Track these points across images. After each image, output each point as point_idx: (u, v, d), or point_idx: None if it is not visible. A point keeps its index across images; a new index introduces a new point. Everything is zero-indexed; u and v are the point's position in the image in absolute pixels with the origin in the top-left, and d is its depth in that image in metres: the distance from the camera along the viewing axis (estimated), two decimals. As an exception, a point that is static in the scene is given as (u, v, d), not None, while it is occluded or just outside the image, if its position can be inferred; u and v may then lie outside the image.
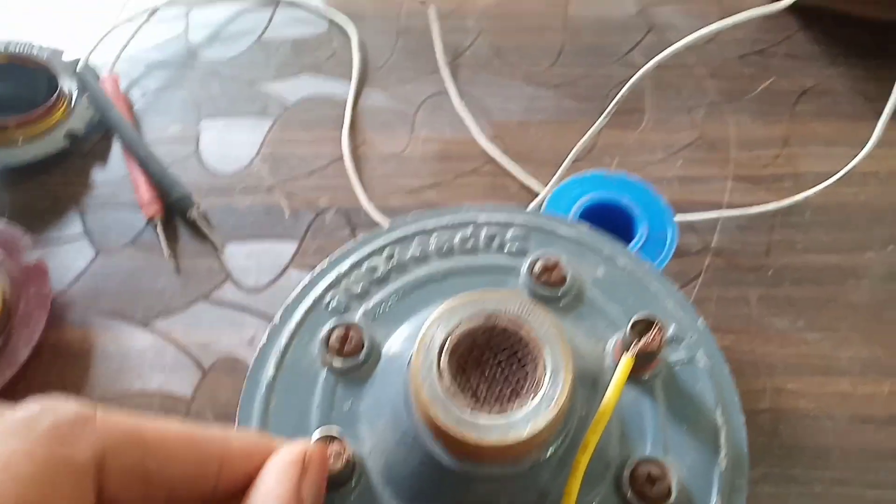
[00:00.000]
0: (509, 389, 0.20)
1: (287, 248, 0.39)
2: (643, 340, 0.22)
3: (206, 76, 0.47)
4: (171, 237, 0.39)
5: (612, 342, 0.24)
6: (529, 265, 0.25)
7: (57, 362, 0.35)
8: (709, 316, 0.35)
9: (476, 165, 0.42)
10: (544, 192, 0.38)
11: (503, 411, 0.19)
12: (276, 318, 0.24)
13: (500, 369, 0.20)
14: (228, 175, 0.42)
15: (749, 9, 0.39)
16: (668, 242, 0.32)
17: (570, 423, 0.21)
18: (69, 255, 0.39)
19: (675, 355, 0.24)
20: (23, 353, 0.33)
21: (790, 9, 0.41)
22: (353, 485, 0.21)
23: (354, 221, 0.39)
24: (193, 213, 0.39)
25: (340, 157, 0.42)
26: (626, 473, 0.21)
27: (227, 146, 0.43)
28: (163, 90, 0.46)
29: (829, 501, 0.30)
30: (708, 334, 0.25)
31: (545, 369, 0.20)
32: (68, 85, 0.43)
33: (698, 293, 0.36)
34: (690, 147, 0.42)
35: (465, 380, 0.20)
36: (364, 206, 0.40)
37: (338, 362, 0.23)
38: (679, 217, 0.37)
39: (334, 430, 0.21)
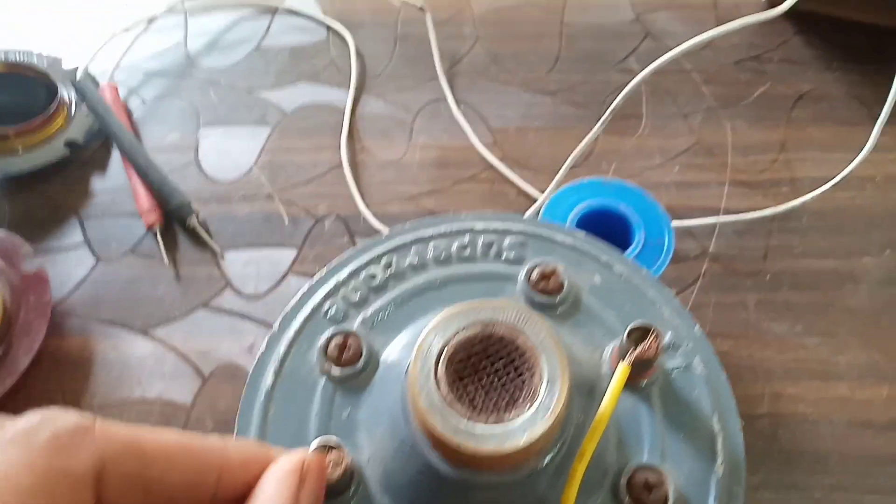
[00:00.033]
0: (506, 398, 0.20)
1: (286, 256, 0.39)
2: (639, 348, 0.22)
3: (204, 84, 0.47)
4: (171, 245, 0.39)
5: (609, 350, 0.24)
6: (527, 273, 0.26)
7: (57, 370, 0.35)
8: (707, 321, 0.35)
9: (474, 172, 0.42)
10: (541, 199, 0.38)
11: (500, 420, 0.19)
12: (275, 327, 0.24)
13: (497, 378, 0.21)
14: (227, 182, 0.42)
15: (745, 15, 0.40)
16: (665, 249, 0.32)
17: (567, 431, 0.21)
18: (69, 264, 0.39)
19: (672, 362, 0.24)
20: (23, 361, 0.33)
21: (785, 14, 0.41)
22: (352, 493, 0.21)
23: (353, 229, 0.40)
24: (193, 221, 0.39)
25: (339, 165, 0.42)
26: (624, 481, 0.21)
27: (226, 154, 0.43)
28: (162, 98, 0.46)
29: (828, 507, 0.30)
30: (704, 341, 0.25)
31: (542, 378, 0.20)
32: (68, 93, 0.43)
33: (696, 298, 0.36)
34: (687, 152, 0.42)
35: (462, 388, 0.20)
36: (363, 214, 0.40)
37: (336, 370, 0.23)
38: (676, 222, 0.38)
39: (333, 438, 0.21)
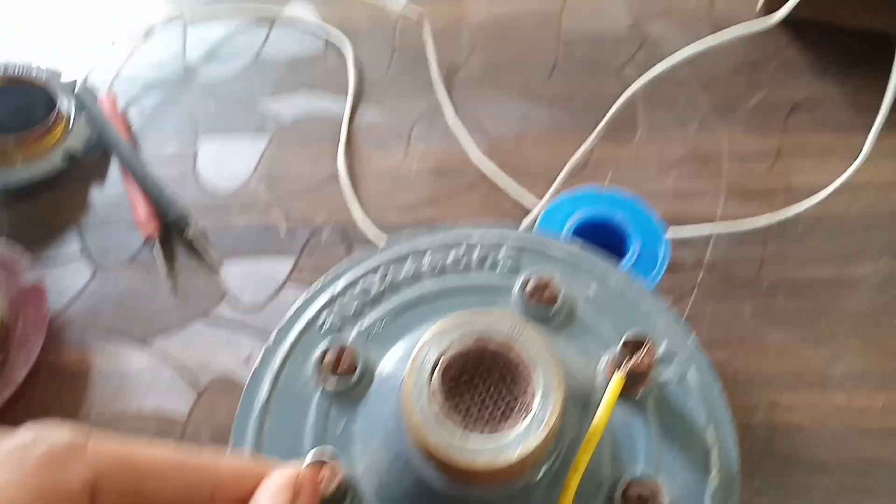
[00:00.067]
0: (500, 411, 0.20)
1: (284, 266, 0.39)
2: (633, 360, 0.22)
3: (203, 94, 0.47)
4: (169, 256, 0.39)
5: (605, 361, 0.24)
6: (522, 284, 0.26)
7: (54, 382, 0.35)
8: (703, 330, 0.35)
9: (472, 181, 0.42)
10: (537, 209, 0.38)
11: (494, 432, 0.20)
12: (270, 340, 0.24)
13: (491, 391, 0.21)
14: (226, 193, 0.42)
15: (741, 23, 0.40)
16: (660, 258, 0.32)
17: (561, 443, 0.21)
18: (67, 275, 0.39)
19: (667, 373, 0.24)
20: (20, 373, 0.33)
21: (781, 22, 0.42)
22: (347, 507, 0.21)
23: (351, 238, 0.40)
24: (191, 232, 0.39)
25: (336, 174, 0.42)
26: (619, 493, 0.21)
27: (225, 164, 0.43)
28: (160, 108, 0.46)
29: (826, 515, 0.30)
30: (699, 352, 0.25)
31: (536, 390, 0.20)
32: (66, 105, 0.43)
33: (693, 307, 0.36)
34: (684, 161, 0.42)
35: (456, 401, 0.20)
36: (360, 223, 0.40)
37: (331, 383, 0.23)
38: (673, 231, 0.38)
39: (328, 451, 0.22)
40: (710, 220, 0.39)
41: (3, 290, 0.35)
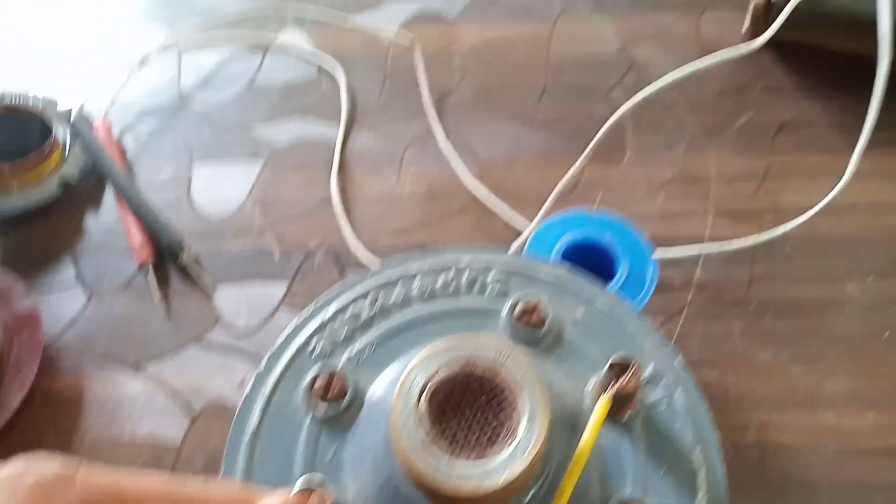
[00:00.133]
0: (487, 436, 0.20)
1: (277, 290, 0.39)
2: (619, 382, 0.22)
3: (197, 121, 0.48)
4: (163, 281, 0.40)
5: (592, 383, 0.24)
6: (510, 307, 0.26)
7: (49, 409, 0.35)
8: (693, 350, 0.36)
9: (463, 204, 0.43)
10: (526, 233, 0.38)
11: (481, 457, 0.20)
12: (261, 366, 0.25)
13: (478, 415, 0.21)
14: (220, 218, 0.43)
15: (728, 46, 0.41)
16: (648, 280, 0.32)
17: (548, 467, 0.21)
18: (62, 301, 0.39)
19: (654, 395, 0.25)
20: (15, 399, 0.34)
21: (767, 45, 0.42)
22: (336, 533, 0.21)
23: (343, 262, 0.40)
24: (185, 258, 0.40)
25: (330, 199, 0.43)
26: (606, 516, 0.21)
27: (219, 189, 0.44)
28: (156, 135, 0.47)
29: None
30: (686, 373, 0.25)
31: (522, 415, 0.20)
32: (62, 133, 0.44)
33: (682, 328, 0.36)
34: (672, 182, 0.42)
35: (443, 427, 0.20)
36: (353, 247, 0.40)
37: (321, 409, 0.23)
38: (661, 252, 0.38)
39: (317, 478, 0.22)
40: (699, 240, 0.39)
41: (-3, 317, 0.36)
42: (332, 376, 0.24)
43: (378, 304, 0.27)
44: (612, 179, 0.43)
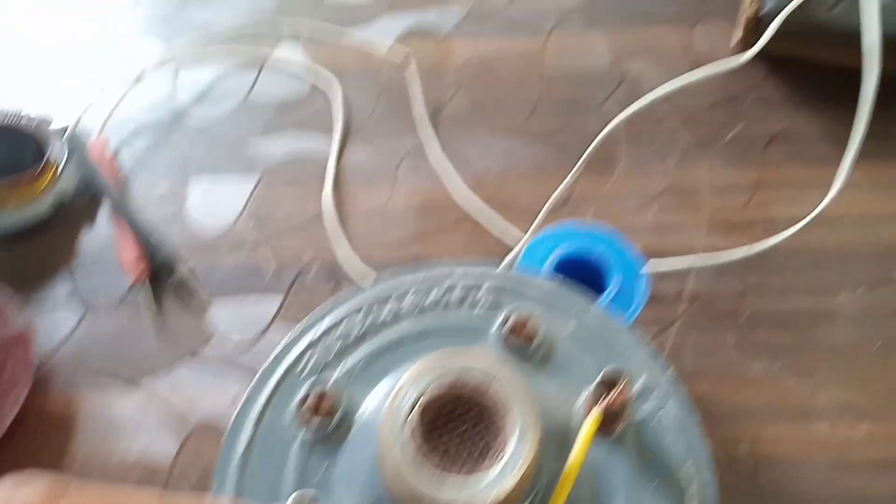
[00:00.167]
0: (477, 452, 0.21)
1: (271, 305, 0.39)
2: (609, 397, 0.23)
3: (193, 136, 0.48)
4: (157, 298, 0.40)
5: (583, 397, 0.25)
6: (501, 322, 0.26)
7: (42, 427, 0.35)
8: (685, 362, 0.36)
9: (457, 217, 0.43)
10: (519, 246, 0.38)
11: (472, 473, 0.20)
12: (253, 383, 0.25)
13: (468, 432, 0.21)
14: (215, 232, 0.43)
15: (718, 58, 0.41)
16: (639, 293, 0.32)
17: (539, 483, 0.21)
18: (56, 318, 0.39)
19: (645, 409, 0.25)
20: (7, 418, 0.34)
21: (757, 57, 0.43)
22: (328, 550, 0.21)
23: (338, 276, 0.40)
24: (180, 273, 0.40)
25: (327, 212, 0.43)
26: (597, 531, 0.21)
27: (214, 204, 0.44)
28: (151, 150, 0.47)
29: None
30: (677, 386, 0.25)
31: (512, 432, 0.20)
32: (56, 151, 0.44)
33: (674, 340, 0.36)
34: (664, 194, 0.43)
35: (433, 444, 0.20)
36: (347, 261, 0.40)
37: (313, 426, 0.23)
38: (654, 264, 0.38)
39: (309, 495, 0.22)
40: (691, 252, 0.39)
41: (-8, 334, 0.36)
42: (322, 394, 0.24)
43: (370, 319, 0.27)
44: (605, 192, 0.43)
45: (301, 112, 0.49)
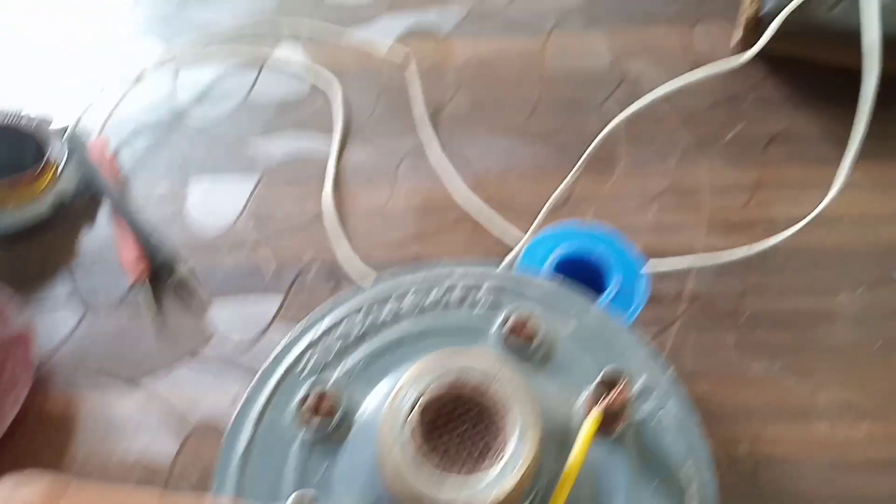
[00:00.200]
0: (477, 453, 0.21)
1: (272, 304, 0.39)
2: (608, 397, 0.23)
3: (193, 136, 0.48)
4: (157, 297, 0.40)
5: (583, 397, 0.25)
6: (502, 321, 0.26)
7: (42, 427, 0.35)
8: (685, 362, 0.36)
9: (457, 217, 0.43)
10: (518, 246, 0.38)
11: (471, 474, 0.20)
12: (253, 383, 0.25)
13: (468, 431, 0.21)
14: (215, 232, 0.43)
15: (719, 58, 0.41)
16: (640, 292, 0.32)
17: (539, 483, 0.21)
18: (57, 318, 0.39)
19: (645, 408, 0.25)
20: (7, 418, 0.34)
21: (757, 57, 0.43)
22: (328, 550, 0.21)
23: (338, 276, 0.40)
24: (180, 273, 0.40)
25: (327, 212, 0.43)
26: (597, 531, 0.22)
27: (214, 204, 0.44)
28: (151, 151, 0.47)
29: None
30: (678, 386, 0.25)
31: (512, 432, 0.20)
32: (56, 152, 0.44)
33: (674, 339, 0.36)
34: (664, 194, 0.43)
35: (433, 444, 0.20)
36: (348, 261, 0.40)
37: (313, 426, 0.23)
38: (654, 264, 0.38)
39: (309, 495, 0.22)
40: (691, 252, 0.39)
41: (-8, 334, 0.36)
42: (322, 394, 0.24)
43: (370, 319, 0.27)
44: (605, 192, 0.43)
45: (301, 112, 0.49)
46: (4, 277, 0.40)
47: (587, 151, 0.39)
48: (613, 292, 0.32)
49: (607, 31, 0.52)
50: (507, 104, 0.49)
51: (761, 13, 0.46)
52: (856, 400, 0.34)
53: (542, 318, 0.26)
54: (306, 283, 0.40)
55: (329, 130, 0.47)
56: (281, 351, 0.25)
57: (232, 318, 0.39)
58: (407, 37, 0.52)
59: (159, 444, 0.34)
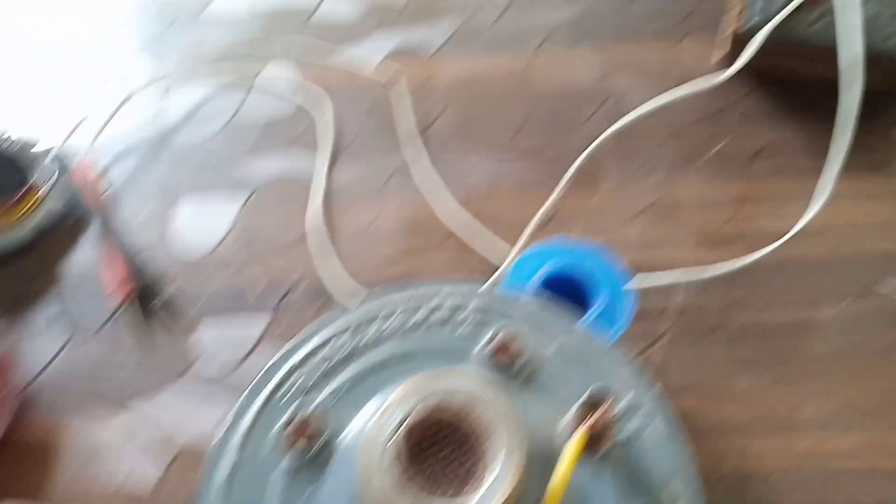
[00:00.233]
0: (462, 475, 0.21)
1: (259, 324, 0.39)
2: (592, 418, 0.23)
3: (181, 156, 0.48)
4: (144, 318, 0.39)
5: (568, 417, 0.24)
6: (486, 342, 0.26)
7: (23, 454, 0.35)
8: (672, 377, 0.36)
9: (445, 235, 0.43)
10: (505, 264, 0.39)
11: (456, 497, 0.20)
12: (235, 408, 0.25)
13: (453, 454, 0.21)
14: (202, 252, 0.43)
15: (703, 74, 0.42)
16: (626, 309, 0.32)
17: (524, 504, 0.21)
18: (40, 342, 0.39)
19: (630, 427, 0.25)
20: (-8, 443, 0.33)
21: (742, 71, 0.43)
22: (312, 576, 0.21)
23: (326, 296, 0.40)
24: (166, 294, 0.40)
25: (312, 232, 0.43)
26: (583, 553, 0.21)
27: (202, 224, 0.44)
28: (138, 171, 0.47)
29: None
30: (663, 403, 0.25)
31: (497, 453, 0.20)
32: (41, 175, 0.44)
33: (661, 354, 0.36)
34: (650, 209, 0.43)
35: (418, 467, 0.20)
36: (335, 280, 0.40)
37: (296, 452, 0.23)
38: (640, 279, 0.38)
39: (292, 520, 0.22)
40: (678, 267, 0.40)
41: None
42: (306, 418, 0.24)
43: (356, 340, 0.27)
44: (592, 207, 0.43)
45: (290, 131, 0.49)
46: (-12, 300, 0.40)
47: (573, 167, 0.40)
48: (600, 309, 0.32)
49: (593, 47, 0.52)
50: (495, 121, 0.49)
51: (742, 30, 0.46)
52: (842, 411, 0.34)
53: (526, 337, 0.26)
54: (294, 302, 0.40)
55: (317, 149, 0.47)
56: (264, 375, 0.25)
57: (219, 338, 0.39)
58: (395, 55, 0.52)
59: (143, 470, 0.34)
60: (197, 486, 0.23)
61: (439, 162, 0.46)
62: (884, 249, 0.40)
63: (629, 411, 0.25)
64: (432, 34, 0.54)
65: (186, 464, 0.34)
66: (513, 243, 0.41)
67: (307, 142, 0.48)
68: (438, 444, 0.21)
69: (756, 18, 0.46)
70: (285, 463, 0.23)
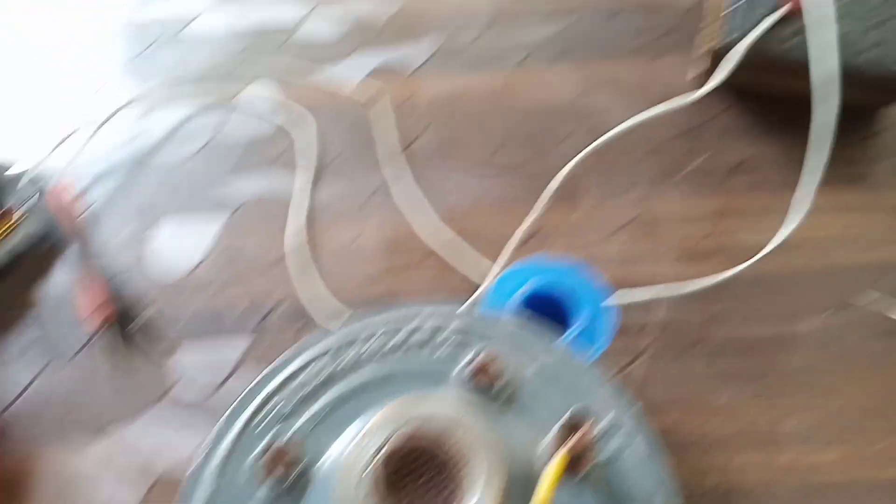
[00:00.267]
0: (441, 502, 0.20)
1: (239, 346, 0.39)
2: (572, 440, 0.22)
3: (160, 177, 0.48)
4: (121, 343, 0.39)
5: (548, 439, 0.24)
6: (466, 363, 0.26)
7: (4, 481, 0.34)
8: (654, 392, 0.36)
9: (427, 253, 0.43)
10: (486, 283, 0.38)
11: (434, 524, 0.20)
12: (211, 436, 0.24)
13: (432, 481, 0.21)
14: (181, 274, 0.42)
15: (682, 92, 0.42)
16: (607, 326, 0.32)
17: (504, 530, 0.21)
18: (14, 370, 0.38)
19: (611, 447, 0.25)
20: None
21: (721, 87, 0.44)
22: None
23: (306, 316, 0.40)
24: (144, 317, 0.39)
25: (292, 252, 0.43)
26: (564, 578, 0.21)
27: (181, 245, 0.44)
28: (117, 193, 0.47)
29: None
30: (644, 422, 0.25)
31: (476, 479, 0.20)
32: (14, 200, 0.43)
33: (642, 370, 0.36)
34: (630, 225, 0.43)
35: (397, 495, 0.20)
36: (317, 302, 0.40)
37: (273, 480, 0.23)
38: (621, 295, 0.38)
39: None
40: (659, 282, 0.40)
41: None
42: (282, 446, 0.23)
43: (335, 364, 0.27)
44: (572, 224, 0.44)
45: (270, 151, 0.49)
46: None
47: (553, 184, 0.40)
48: (581, 327, 0.32)
49: (573, 65, 0.53)
50: (476, 139, 0.49)
51: (720, 46, 0.47)
52: (823, 424, 0.34)
53: (507, 358, 0.26)
54: (275, 323, 0.40)
55: (299, 168, 0.47)
56: (241, 401, 0.25)
57: (198, 361, 0.38)
58: (377, 74, 0.53)
59: (121, 498, 0.34)
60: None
61: (421, 180, 0.46)
62: (862, 262, 0.41)
63: (609, 431, 0.25)
64: (413, 53, 0.54)
65: (165, 491, 0.34)
66: (494, 260, 0.41)
67: (287, 161, 0.48)
68: (417, 472, 0.21)
69: (734, 35, 0.47)
70: (262, 492, 0.23)
